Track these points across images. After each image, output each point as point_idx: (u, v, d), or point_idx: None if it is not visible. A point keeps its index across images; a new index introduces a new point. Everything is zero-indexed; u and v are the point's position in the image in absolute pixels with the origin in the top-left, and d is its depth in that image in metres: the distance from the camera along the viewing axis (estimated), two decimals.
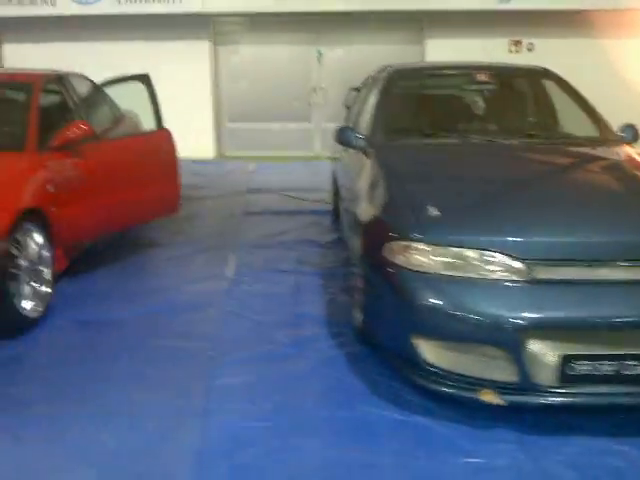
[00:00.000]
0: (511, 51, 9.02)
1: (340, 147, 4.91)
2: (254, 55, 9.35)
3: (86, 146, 4.10)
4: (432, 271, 2.56)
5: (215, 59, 9.35)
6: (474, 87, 4.10)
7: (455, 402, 2.65)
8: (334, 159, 5.69)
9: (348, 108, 6.16)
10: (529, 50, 8.99)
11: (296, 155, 9.31)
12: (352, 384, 2.88)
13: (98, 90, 5.32)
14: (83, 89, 5.01)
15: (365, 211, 3.10)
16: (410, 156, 3.43)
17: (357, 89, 6.26)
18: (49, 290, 3.67)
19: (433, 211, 2.71)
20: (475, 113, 3.99)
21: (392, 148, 3.56)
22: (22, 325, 3.39)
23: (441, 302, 2.50)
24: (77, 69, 7.09)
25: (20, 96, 4.34)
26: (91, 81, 5.38)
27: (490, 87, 4.13)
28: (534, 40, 9.00)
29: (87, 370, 3.03)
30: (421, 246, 2.59)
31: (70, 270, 4.12)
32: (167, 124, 4.93)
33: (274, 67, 9.32)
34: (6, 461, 2.39)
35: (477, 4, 8.53)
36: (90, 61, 9.13)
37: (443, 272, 2.55)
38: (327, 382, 2.90)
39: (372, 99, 4.44)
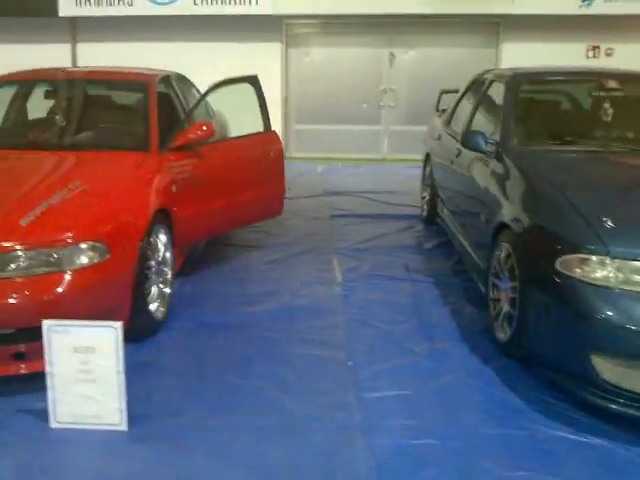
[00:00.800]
0: (589, 57, 8.79)
1: (446, 151, 4.80)
2: (325, 57, 9.27)
3: (201, 147, 4.06)
4: (614, 286, 2.43)
5: (286, 61, 9.31)
6: (602, 93, 3.94)
7: (628, 423, 2.51)
8: (429, 163, 5.54)
9: (440, 111, 6.05)
10: (608, 55, 8.74)
11: (362, 157, 9.21)
12: (508, 399, 2.76)
13: (195, 91, 5.31)
14: (184, 89, 5.00)
15: (519, 220, 2.97)
16: (556, 163, 3.29)
17: (449, 92, 6.16)
18: (170, 291, 3.63)
19: (609, 222, 2.58)
20: (607, 120, 3.83)
21: (532, 154, 3.42)
22: (151, 327, 3.36)
23: (626, 319, 2.37)
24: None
25: (137, 95, 4.35)
26: (189, 81, 5.38)
27: (618, 94, 3.96)
28: (613, 45, 8.75)
29: (225, 376, 2.96)
30: (603, 259, 2.46)
31: (180, 271, 4.10)
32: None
33: (344, 69, 9.23)
34: (171, 472, 2.33)
35: (558, 9, 8.32)
36: (163, 61, 9.18)
37: (626, 287, 2.42)
38: (482, 397, 2.78)
39: (488, 103, 4.32)
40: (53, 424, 2.55)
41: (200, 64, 8.36)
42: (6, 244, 2.66)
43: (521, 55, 8.72)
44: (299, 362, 3.09)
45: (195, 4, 8.80)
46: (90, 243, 2.79)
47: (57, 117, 4.18)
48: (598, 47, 8.77)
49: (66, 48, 9.44)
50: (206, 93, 4.39)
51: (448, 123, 5.24)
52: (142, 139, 3.84)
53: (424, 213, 5.67)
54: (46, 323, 2.50)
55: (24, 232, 2.72)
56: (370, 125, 9.39)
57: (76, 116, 4.20)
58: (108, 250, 2.85)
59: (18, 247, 2.67)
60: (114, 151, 3.75)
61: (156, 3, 8.85)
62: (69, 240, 2.73)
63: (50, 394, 2.53)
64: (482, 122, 4.25)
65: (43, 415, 2.57)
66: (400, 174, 8.44)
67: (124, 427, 2.54)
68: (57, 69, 4.70)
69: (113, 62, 9.38)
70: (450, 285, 4.12)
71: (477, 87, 4.87)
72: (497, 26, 8.89)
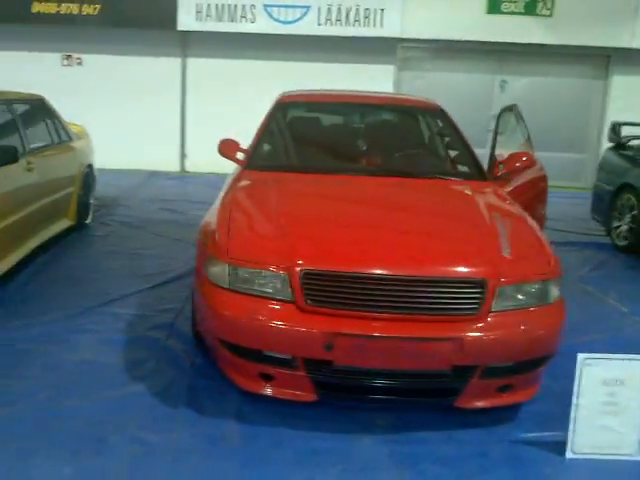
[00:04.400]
0: None
1: None
2: (436, 81, 9.46)
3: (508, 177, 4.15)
4: None
5: (398, 83, 9.46)
6: None
7: None
8: (628, 194, 5.78)
9: (615, 142, 6.34)
10: None
11: None
12: None
13: None
14: None
15: None
16: None
17: (627, 124, 6.46)
18: None
19: None
20: None
21: None
22: None
23: None
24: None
25: (431, 121, 4.42)
26: None
27: None
28: None
29: None
30: None
31: None
32: None
33: (455, 93, 9.41)
34: None
35: None
36: (272, 79, 9.18)
37: None
38: None
39: None
40: (569, 454, 2.59)
41: (312, 84, 8.42)
42: (503, 278, 2.64)
43: (629, 87, 9.16)
44: None
45: (319, 24, 8.88)
46: (558, 277, 2.82)
47: (359, 141, 4.18)
48: None
49: (176, 62, 9.33)
50: (497, 124, 4.51)
51: None
52: (473, 167, 3.91)
53: (621, 242, 5.89)
54: (580, 356, 2.56)
55: (513, 265, 2.73)
56: (477, 148, 9.58)
57: (384, 141, 4.20)
58: (560, 284, 2.90)
59: (513, 280, 2.67)
60: (456, 179, 3.81)
61: (280, 22, 8.88)
62: (550, 274, 2.75)
63: (571, 425, 2.57)
64: None
65: (549, 446, 2.63)
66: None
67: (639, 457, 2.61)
68: (338, 93, 4.70)
69: (222, 78, 9.40)
70: None
71: None
72: (607, 58, 9.30)
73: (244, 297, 2.65)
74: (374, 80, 9.21)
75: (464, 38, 8.93)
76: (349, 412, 2.82)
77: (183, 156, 9.61)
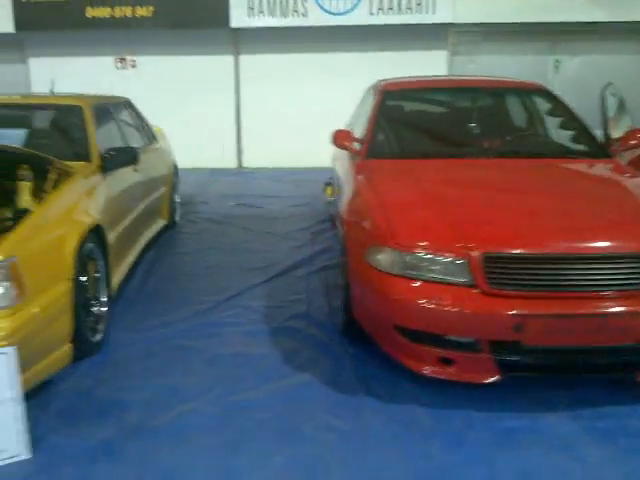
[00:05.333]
0: None
1: None
2: (489, 64, 9.36)
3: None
4: None
5: (451, 69, 9.41)
6: None
7: None
8: None
9: None
10: None
11: None
12: None
13: None
14: None
15: None
16: None
17: None
18: None
19: None
20: None
21: None
22: None
23: None
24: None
25: (545, 102, 4.41)
26: None
27: None
28: None
29: None
30: None
31: None
32: None
33: (509, 75, 9.35)
34: None
35: None
36: (323, 71, 9.22)
37: None
38: None
39: None
40: None
41: (367, 73, 8.37)
42: None
43: None
44: None
45: (371, 14, 8.83)
46: None
47: (472, 125, 4.17)
48: None
49: (229, 60, 9.33)
50: (603, 104, 4.48)
51: None
52: (594, 145, 3.88)
53: None
54: None
55: None
56: None
57: (499, 124, 4.21)
58: None
59: None
60: (581, 158, 3.79)
61: (331, 13, 8.84)
62: None
63: None
64: None
65: None
66: None
67: None
68: (438, 78, 4.70)
69: (274, 73, 9.40)
70: None
71: None
72: None
73: (419, 282, 2.67)
74: (427, 66, 9.16)
75: (516, 20, 8.85)
76: (525, 391, 2.84)
77: (240, 152, 9.65)
